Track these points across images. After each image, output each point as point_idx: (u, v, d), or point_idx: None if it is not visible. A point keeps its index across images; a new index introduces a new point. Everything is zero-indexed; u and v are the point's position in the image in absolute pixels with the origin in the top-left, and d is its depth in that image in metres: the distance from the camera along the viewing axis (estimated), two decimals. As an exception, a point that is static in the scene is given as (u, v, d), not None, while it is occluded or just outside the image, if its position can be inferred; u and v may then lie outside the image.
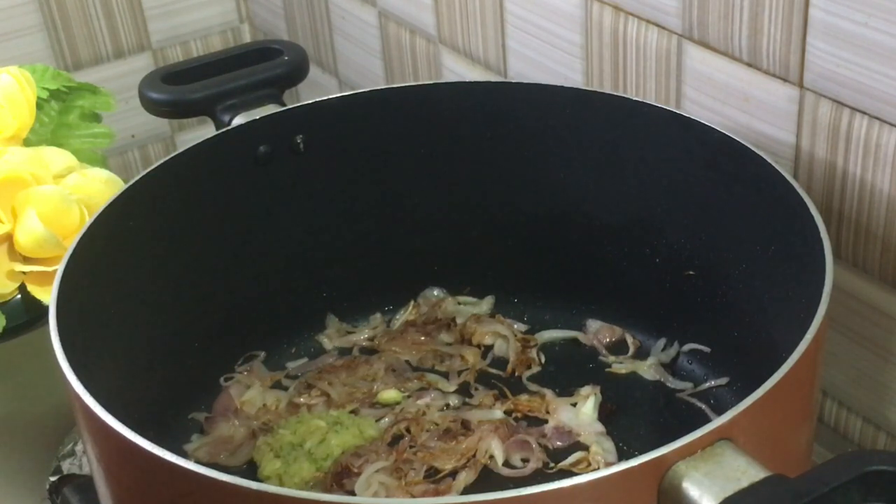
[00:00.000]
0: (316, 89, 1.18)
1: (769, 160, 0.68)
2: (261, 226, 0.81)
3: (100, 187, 0.83)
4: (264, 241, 0.81)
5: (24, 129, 0.85)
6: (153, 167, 0.74)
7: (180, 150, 0.76)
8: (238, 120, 0.80)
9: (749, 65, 0.74)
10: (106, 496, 0.60)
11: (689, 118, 0.74)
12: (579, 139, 0.79)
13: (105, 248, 0.69)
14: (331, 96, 0.81)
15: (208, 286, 0.79)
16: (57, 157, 0.84)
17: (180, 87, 0.83)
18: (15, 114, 0.84)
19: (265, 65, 0.85)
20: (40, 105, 0.89)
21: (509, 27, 0.91)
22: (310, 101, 0.81)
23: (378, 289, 0.86)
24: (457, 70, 0.99)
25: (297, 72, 0.86)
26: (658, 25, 0.78)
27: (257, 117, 0.80)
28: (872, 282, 0.72)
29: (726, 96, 0.76)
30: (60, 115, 0.92)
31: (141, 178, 0.73)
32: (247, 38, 1.30)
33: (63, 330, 0.60)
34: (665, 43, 0.78)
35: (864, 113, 0.68)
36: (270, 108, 0.81)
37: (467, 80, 0.95)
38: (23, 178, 0.79)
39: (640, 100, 0.77)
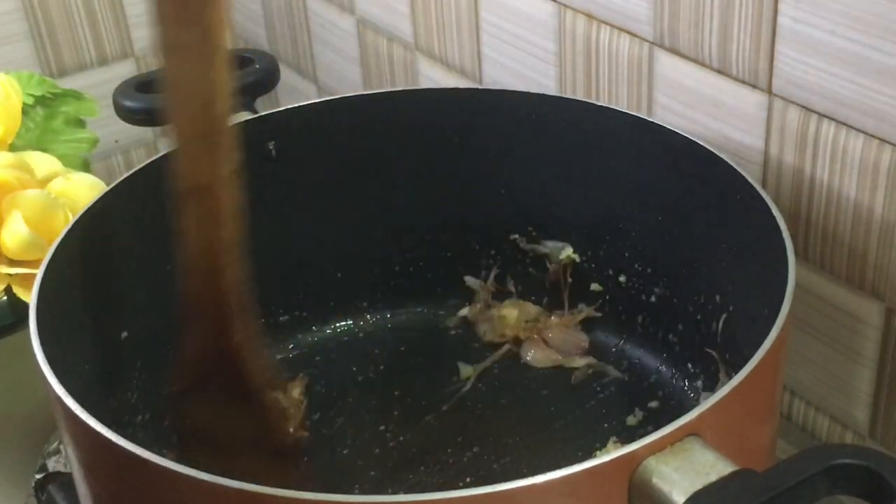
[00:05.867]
0: (295, 96, 1.19)
1: (731, 162, 0.69)
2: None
3: (84, 191, 0.83)
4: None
5: (9, 134, 0.86)
6: (131, 172, 0.74)
7: (157, 155, 0.77)
8: (210, 127, 0.81)
9: (719, 72, 0.74)
10: (86, 496, 0.60)
11: (651, 122, 0.75)
12: (549, 144, 0.79)
13: (86, 250, 0.69)
14: (302, 103, 0.81)
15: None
16: (42, 162, 0.85)
17: (154, 96, 0.83)
18: (1, 119, 0.84)
19: (237, 73, 0.85)
20: (26, 111, 0.90)
21: (484, 35, 0.92)
22: (281, 109, 0.81)
23: (349, 295, 0.86)
24: (433, 77, 1.00)
25: (267, 80, 0.87)
26: (630, 33, 0.79)
27: (229, 125, 0.80)
28: (839, 284, 0.73)
29: (697, 102, 0.77)
30: (45, 121, 0.92)
31: (120, 183, 0.73)
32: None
33: (43, 331, 0.60)
34: (637, 50, 0.79)
35: (832, 119, 0.69)
36: (242, 116, 0.81)
37: (442, 87, 0.96)
38: (8, 182, 0.80)
39: (604, 104, 0.78)
